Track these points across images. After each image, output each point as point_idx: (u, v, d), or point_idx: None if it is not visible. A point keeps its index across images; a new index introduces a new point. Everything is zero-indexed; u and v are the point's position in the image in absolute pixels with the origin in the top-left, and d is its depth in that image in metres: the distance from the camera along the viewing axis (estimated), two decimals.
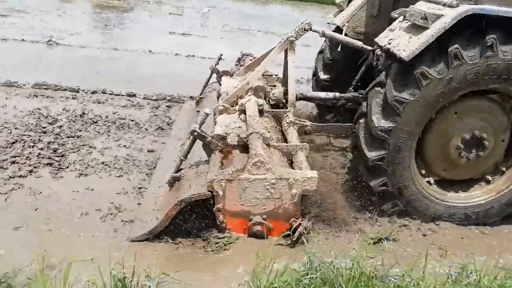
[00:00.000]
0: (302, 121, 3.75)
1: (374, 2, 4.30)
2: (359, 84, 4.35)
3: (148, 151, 4.27)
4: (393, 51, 2.94)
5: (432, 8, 2.83)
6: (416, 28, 2.91)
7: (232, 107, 3.85)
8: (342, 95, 4.17)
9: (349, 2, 4.57)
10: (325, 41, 4.89)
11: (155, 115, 5.23)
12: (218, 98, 4.39)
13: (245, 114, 3.72)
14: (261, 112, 3.68)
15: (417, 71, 2.84)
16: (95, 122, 4.76)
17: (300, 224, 2.84)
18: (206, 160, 3.19)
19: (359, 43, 4.03)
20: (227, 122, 3.70)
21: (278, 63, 4.29)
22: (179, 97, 5.84)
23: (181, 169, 3.21)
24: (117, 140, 4.40)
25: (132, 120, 4.95)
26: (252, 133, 3.01)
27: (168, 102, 5.70)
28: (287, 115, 3.74)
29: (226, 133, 3.38)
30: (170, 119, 5.13)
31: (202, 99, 5.04)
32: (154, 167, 3.90)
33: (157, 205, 3.14)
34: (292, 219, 2.87)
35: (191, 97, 5.63)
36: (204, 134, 3.04)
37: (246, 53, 5.34)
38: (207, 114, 3.06)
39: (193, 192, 2.81)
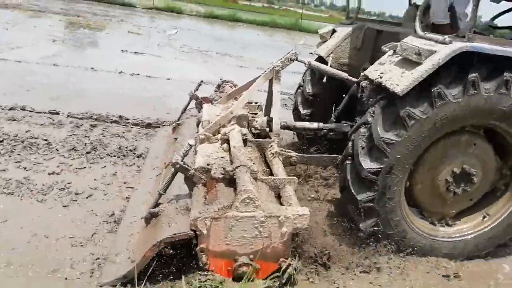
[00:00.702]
0: (287, 152, 3.61)
1: (358, 34, 4.30)
2: (340, 115, 4.30)
3: (49, 173, 3.91)
4: (385, 85, 2.88)
5: (424, 44, 2.80)
6: (408, 63, 2.86)
7: (214, 136, 3.67)
8: (326, 125, 4.09)
9: (332, 34, 4.56)
10: (304, 75, 4.85)
11: (73, 134, 4.90)
12: (198, 125, 4.21)
13: (228, 143, 3.56)
14: (244, 142, 3.52)
15: (403, 111, 2.79)
16: (0, 142, 4.37)
17: (289, 264, 2.65)
18: (187, 194, 2.97)
19: (345, 75, 3.99)
20: (209, 152, 3.50)
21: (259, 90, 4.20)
22: (107, 115, 5.59)
23: (159, 203, 2.95)
24: (18, 162, 4.03)
25: (45, 140, 4.58)
26: (239, 166, 2.82)
27: (94, 121, 5.40)
28: (271, 146, 3.59)
29: (209, 165, 3.19)
30: (89, 139, 4.81)
31: (180, 126, 4.83)
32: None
33: (131, 244, 2.86)
34: (281, 259, 2.67)
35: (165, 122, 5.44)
36: (187, 167, 2.83)
37: (226, 80, 5.21)
38: (190, 146, 2.85)
39: (174, 231, 2.56)
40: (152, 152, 4.51)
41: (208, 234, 2.54)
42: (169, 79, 8.27)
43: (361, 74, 3.92)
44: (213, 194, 2.88)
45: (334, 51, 4.35)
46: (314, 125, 4.08)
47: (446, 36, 2.75)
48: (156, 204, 2.94)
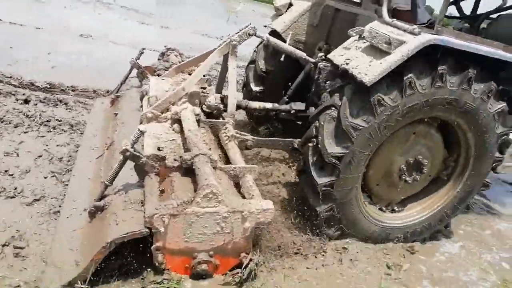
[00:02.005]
0: (243, 135, 3.41)
1: (316, 11, 4.13)
2: (293, 95, 4.18)
3: None
4: (352, 72, 2.77)
5: (393, 32, 2.71)
6: (376, 51, 2.76)
7: (163, 114, 3.36)
8: (282, 106, 3.94)
9: (288, 7, 4.33)
10: (257, 49, 4.60)
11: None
12: (141, 99, 3.83)
13: (179, 124, 3.28)
14: (197, 123, 3.26)
15: (374, 98, 2.72)
16: None
17: (251, 259, 2.53)
18: (136, 184, 2.68)
19: (303, 54, 3.81)
20: (158, 133, 3.20)
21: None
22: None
23: (105, 195, 2.63)
24: None
25: None
26: (198, 154, 2.58)
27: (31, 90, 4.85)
28: (226, 128, 3.37)
29: (160, 149, 2.91)
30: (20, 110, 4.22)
31: (119, 98, 4.37)
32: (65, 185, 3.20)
33: (75, 242, 2.52)
34: (243, 254, 2.54)
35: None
36: (138, 154, 2.52)
37: (171, 48, 4.79)
38: (142, 132, 2.53)
39: (125, 229, 2.28)
40: (89, 129, 4.03)
41: (165, 232, 2.31)
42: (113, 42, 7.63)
43: (318, 54, 3.80)
44: (168, 185, 2.63)
45: (291, 27, 4.14)
46: (269, 105, 3.92)
47: (415, 26, 2.67)
48: (102, 196, 2.61)
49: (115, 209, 2.50)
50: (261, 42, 4.45)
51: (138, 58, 4.37)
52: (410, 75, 2.70)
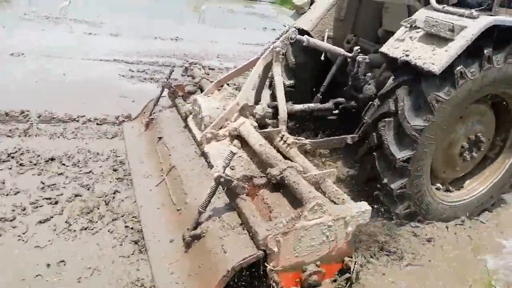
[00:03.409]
0: (301, 140, 3.42)
1: (342, 4, 4.15)
2: (326, 89, 4.22)
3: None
4: (416, 63, 2.81)
5: (453, 19, 2.77)
6: (435, 39, 2.82)
7: (220, 132, 3.34)
8: (325, 105, 3.98)
9: (310, 4, 4.34)
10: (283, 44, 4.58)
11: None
12: (185, 119, 3.80)
13: (238, 139, 3.28)
14: None
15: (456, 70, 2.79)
16: None
17: (355, 262, 2.57)
18: (225, 207, 2.67)
19: (341, 50, 3.84)
20: (222, 152, 3.19)
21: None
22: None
23: (200, 223, 2.61)
24: None
25: None
26: (286, 168, 2.59)
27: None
28: (283, 135, 3.37)
29: (232, 168, 2.91)
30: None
31: (153, 120, 4.31)
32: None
33: (177, 275, 2.50)
34: (347, 258, 2.58)
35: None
36: (230, 178, 2.51)
37: (193, 62, 4.74)
38: (233, 154, 2.52)
39: (241, 254, 2.28)
40: (133, 156, 3.97)
41: (279, 251, 2.32)
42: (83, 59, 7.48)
43: (354, 48, 3.84)
44: (260, 204, 2.64)
45: (318, 24, 4.15)
46: (312, 105, 3.95)
47: (473, 10, 2.74)
48: (197, 224, 2.59)
49: (216, 235, 2.49)
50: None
51: (169, 77, 4.32)
52: (488, 49, 2.77)
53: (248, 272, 2.44)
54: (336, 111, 3.94)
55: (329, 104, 3.97)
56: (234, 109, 3.33)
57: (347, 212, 2.47)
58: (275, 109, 3.68)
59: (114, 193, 3.51)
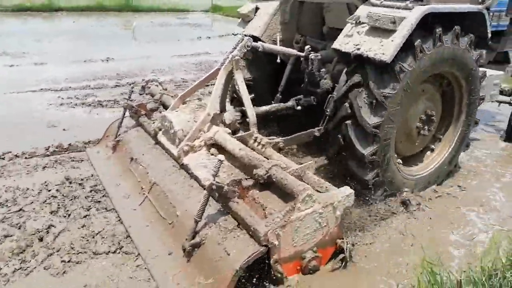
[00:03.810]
0: (273, 139, 3.61)
1: (285, 9, 4.40)
2: (284, 91, 4.46)
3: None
4: (368, 55, 3.10)
5: (391, 12, 3.10)
6: (380, 32, 3.13)
7: (195, 144, 3.45)
8: (287, 104, 4.20)
9: (256, 11, 4.55)
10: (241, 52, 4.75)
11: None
12: (154, 136, 3.85)
13: (214, 147, 3.41)
14: None
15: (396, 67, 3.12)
16: None
17: (347, 242, 2.81)
18: (218, 212, 2.79)
19: (294, 51, 4.09)
20: (202, 162, 3.31)
21: None
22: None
23: (196, 232, 2.71)
24: None
25: None
26: (271, 167, 2.76)
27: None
28: (256, 137, 3.54)
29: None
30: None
31: (120, 142, 4.30)
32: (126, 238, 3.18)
33: (184, 285, 2.58)
34: (339, 240, 2.81)
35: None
36: (221, 185, 2.64)
37: (150, 80, 4.77)
38: (221, 162, 2.64)
39: (246, 253, 2.41)
40: (107, 180, 3.94)
41: (279, 244, 2.49)
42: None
43: (305, 47, 4.11)
44: (252, 204, 2.78)
45: (267, 29, 4.38)
46: (275, 106, 4.16)
47: (407, 2, 3.09)
48: (195, 233, 2.69)
49: (216, 240, 2.60)
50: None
51: (129, 98, 4.34)
52: (417, 41, 3.12)
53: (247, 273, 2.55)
54: (298, 108, 4.17)
55: (291, 103, 4.20)
56: (206, 119, 3.45)
57: (334, 198, 2.70)
58: (242, 114, 3.85)
59: (48, 228, 3.28)
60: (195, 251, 2.67)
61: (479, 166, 4.61)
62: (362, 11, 3.32)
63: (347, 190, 2.78)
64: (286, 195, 2.72)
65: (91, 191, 3.89)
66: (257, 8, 4.54)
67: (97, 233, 3.25)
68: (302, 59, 4.14)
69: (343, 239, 2.81)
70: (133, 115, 4.35)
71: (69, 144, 4.87)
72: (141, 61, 9.83)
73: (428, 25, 3.25)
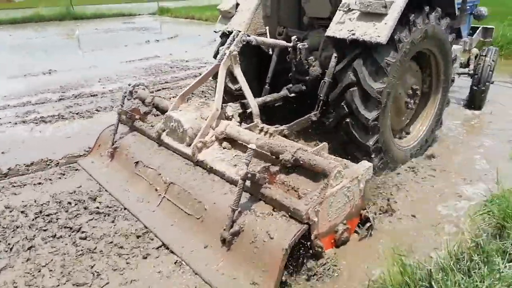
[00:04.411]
0: (278, 127, 3.77)
1: (266, 3, 4.56)
2: (271, 81, 4.64)
3: None
4: (364, 39, 3.34)
5: None
6: (371, 16, 3.38)
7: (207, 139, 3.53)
8: (280, 94, 4.38)
9: (236, 7, 4.66)
10: (218, 52, 4.83)
11: None
12: (158, 138, 3.86)
13: (226, 141, 3.52)
14: None
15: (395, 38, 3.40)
16: None
17: (369, 211, 3.04)
18: (249, 200, 2.91)
19: (282, 42, 4.26)
20: (219, 156, 3.40)
21: None
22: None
23: (234, 221, 2.81)
24: None
25: None
26: (296, 151, 2.92)
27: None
28: (262, 127, 3.68)
29: (235, 166, 3.16)
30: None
31: (117, 149, 4.25)
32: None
33: (230, 272, 2.68)
34: (362, 211, 3.03)
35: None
36: (254, 173, 2.76)
37: (136, 84, 4.72)
38: (253, 150, 2.75)
39: (291, 232, 2.56)
40: (114, 188, 3.89)
41: (318, 220, 2.66)
42: None
43: (292, 37, 4.30)
44: (284, 187, 2.92)
45: (251, 24, 4.50)
46: (269, 97, 4.31)
47: None
48: (233, 222, 2.79)
49: (255, 226, 2.72)
50: (222, 44, 4.74)
51: (123, 104, 4.30)
52: (412, 15, 3.44)
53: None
54: (292, 95, 4.35)
55: (283, 92, 4.37)
56: (215, 115, 3.53)
57: (357, 172, 2.91)
58: (242, 106, 3.97)
59: None
60: (235, 239, 2.77)
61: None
62: None
63: (366, 164, 3.01)
64: (313, 175, 2.90)
65: (35, 218, 3.53)
66: (237, 4, 4.64)
67: (44, 266, 2.94)
68: (289, 49, 4.32)
69: (365, 209, 3.04)
70: (128, 120, 4.32)
71: (9, 169, 4.42)
72: (87, 71, 9.52)
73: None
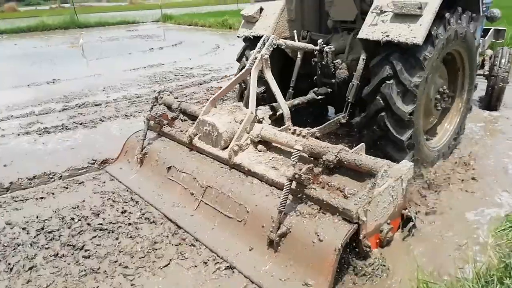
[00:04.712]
0: (310, 129, 3.78)
1: (290, 7, 4.60)
2: (296, 84, 4.67)
3: None
4: (399, 40, 3.37)
5: None
6: (405, 17, 3.41)
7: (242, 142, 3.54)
8: (308, 97, 4.42)
9: (260, 12, 4.70)
10: (243, 54, 4.88)
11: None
12: (190, 143, 3.87)
13: (262, 144, 3.54)
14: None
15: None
16: None
17: (411, 211, 3.06)
18: (295, 201, 2.91)
19: (311, 45, 4.29)
20: (255, 159, 3.41)
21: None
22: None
23: (281, 222, 2.81)
24: None
25: None
26: (339, 151, 2.94)
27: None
28: (295, 130, 3.69)
29: (275, 168, 3.17)
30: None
31: (146, 155, 4.26)
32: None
33: (280, 275, 2.68)
34: (405, 210, 3.05)
35: None
36: (300, 174, 2.77)
37: (162, 90, 4.75)
38: (299, 151, 2.77)
39: (341, 232, 2.57)
40: (148, 194, 3.89)
41: (366, 219, 2.67)
42: None
43: (318, 41, 4.34)
44: (328, 187, 2.93)
45: (276, 28, 4.54)
46: (296, 100, 4.35)
47: None
48: (280, 224, 2.79)
49: (303, 227, 2.73)
50: (245, 48, 4.79)
51: (151, 110, 4.31)
52: (447, 14, 3.49)
53: None
54: (319, 97, 4.39)
55: (311, 95, 4.41)
56: (250, 118, 3.55)
57: (400, 171, 2.93)
58: (272, 109, 4.00)
59: None
60: (282, 241, 2.78)
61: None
62: (381, 1, 3.59)
63: (408, 164, 3.02)
64: (356, 175, 2.92)
65: (36, 235, 3.40)
66: (261, 9, 4.68)
67: None
68: (315, 52, 4.36)
69: (406, 209, 3.05)
70: (156, 125, 4.33)
71: (11, 183, 4.33)
72: (91, 80, 9.54)
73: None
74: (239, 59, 4.92)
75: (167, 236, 3.32)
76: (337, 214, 2.68)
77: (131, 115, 6.75)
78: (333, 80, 4.41)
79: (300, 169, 2.79)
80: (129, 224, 3.52)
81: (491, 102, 5.97)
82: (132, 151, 4.46)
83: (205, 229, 3.25)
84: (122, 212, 3.71)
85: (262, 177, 3.21)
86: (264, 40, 3.86)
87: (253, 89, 3.68)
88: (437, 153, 4.18)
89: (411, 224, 3.04)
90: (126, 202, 3.88)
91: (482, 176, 4.04)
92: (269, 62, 3.82)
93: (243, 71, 3.90)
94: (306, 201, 2.88)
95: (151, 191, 3.91)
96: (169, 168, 3.92)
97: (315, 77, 4.59)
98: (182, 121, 4.47)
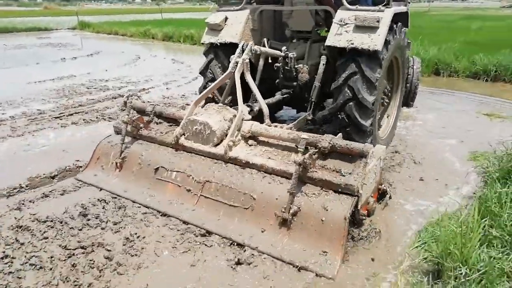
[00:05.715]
0: (288, 125, 4.24)
1: (253, 17, 5.04)
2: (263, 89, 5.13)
3: None
4: (362, 47, 4.03)
5: (372, 14, 4.09)
6: (365, 29, 4.08)
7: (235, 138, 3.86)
8: (274, 99, 4.89)
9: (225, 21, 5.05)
10: (209, 64, 5.15)
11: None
12: (176, 143, 4.06)
13: (252, 139, 3.90)
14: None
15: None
16: None
17: (386, 186, 3.70)
18: (296, 183, 3.33)
19: (278, 51, 4.77)
20: (250, 152, 3.76)
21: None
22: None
23: (291, 202, 3.21)
24: None
25: None
26: (332, 138, 3.44)
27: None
28: (276, 125, 4.11)
29: (270, 158, 3.59)
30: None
31: (125, 159, 4.31)
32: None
33: (299, 245, 3.08)
34: (381, 186, 3.67)
35: None
36: (306, 159, 3.21)
37: (130, 94, 4.79)
38: (306, 139, 3.21)
39: (346, 204, 3.07)
40: (138, 196, 3.95)
41: (362, 193, 3.21)
42: None
43: (282, 48, 4.87)
44: (326, 169, 3.41)
45: (242, 36, 4.94)
46: (273, 99, 4.81)
47: (380, 6, 4.14)
48: (291, 204, 3.19)
49: (312, 204, 3.17)
50: (210, 62, 5.11)
51: (129, 114, 4.37)
52: (394, 26, 4.22)
53: None
54: (284, 97, 4.90)
55: (278, 96, 4.89)
56: (240, 116, 3.89)
57: (380, 153, 3.54)
58: (250, 108, 4.38)
59: None
60: (294, 219, 3.18)
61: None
62: (343, 14, 4.23)
63: (382, 146, 3.65)
64: (346, 158, 3.44)
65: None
66: (226, 18, 5.03)
67: None
68: (279, 58, 4.86)
69: (382, 184, 3.68)
70: (133, 129, 4.39)
71: None
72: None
73: None
74: (203, 72, 5.19)
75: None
76: (339, 190, 3.17)
77: (29, 133, 5.97)
78: (295, 83, 4.95)
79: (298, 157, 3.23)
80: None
81: (407, 100, 7.10)
82: (106, 157, 4.45)
83: (211, 220, 3.48)
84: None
85: (262, 167, 3.57)
86: (243, 46, 4.24)
87: (239, 90, 4.03)
88: (383, 142, 4.97)
89: (387, 196, 3.67)
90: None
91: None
92: (249, 66, 4.20)
93: (224, 75, 4.22)
94: (307, 183, 3.32)
95: (141, 192, 3.98)
96: (156, 169, 4.04)
97: (277, 81, 5.08)
98: (157, 123, 4.58)
